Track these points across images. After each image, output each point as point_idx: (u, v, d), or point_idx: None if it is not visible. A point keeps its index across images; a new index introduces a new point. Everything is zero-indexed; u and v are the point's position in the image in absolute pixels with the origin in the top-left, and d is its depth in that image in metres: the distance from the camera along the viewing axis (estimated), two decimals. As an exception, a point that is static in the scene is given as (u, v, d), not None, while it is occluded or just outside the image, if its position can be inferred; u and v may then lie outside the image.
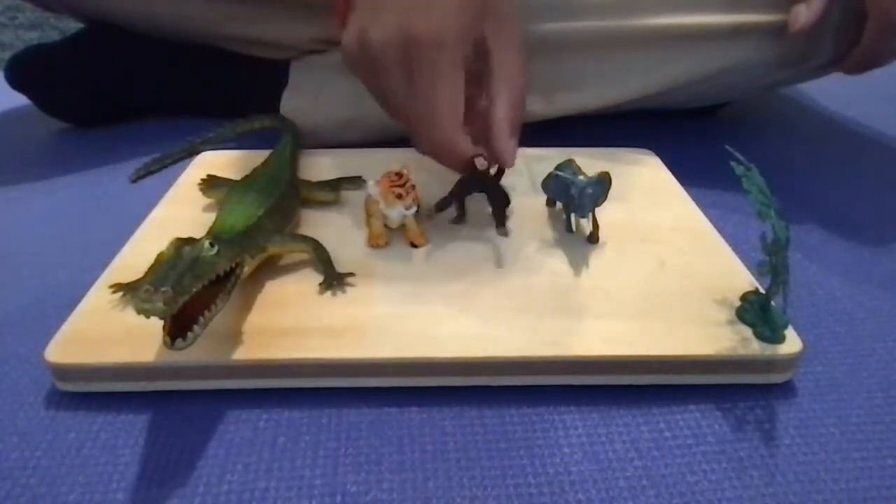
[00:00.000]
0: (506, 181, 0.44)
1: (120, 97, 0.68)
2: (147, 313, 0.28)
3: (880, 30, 0.52)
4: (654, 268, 0.41)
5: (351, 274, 0.40)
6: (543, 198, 0.48)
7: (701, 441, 0.32)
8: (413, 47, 0.37)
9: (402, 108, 0.40)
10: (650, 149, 0.57)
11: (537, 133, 0.58)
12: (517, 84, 0.41)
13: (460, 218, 0.46)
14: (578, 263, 0.41)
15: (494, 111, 0.40)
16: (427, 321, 0.36)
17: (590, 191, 0.41)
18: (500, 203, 0.44)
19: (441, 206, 0.44)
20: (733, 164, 0.34)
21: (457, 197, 0.44)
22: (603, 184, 0.42)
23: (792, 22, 0.52)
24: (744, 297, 0.37)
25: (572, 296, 0.38)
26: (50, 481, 0.30)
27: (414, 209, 0.42)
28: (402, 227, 0.43)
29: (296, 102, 0.59)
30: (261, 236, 0.39)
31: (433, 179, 0.48)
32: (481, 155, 0.40)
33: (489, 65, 0.40)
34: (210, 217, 0.41)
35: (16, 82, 0.65)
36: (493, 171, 0.43)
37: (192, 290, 0.30)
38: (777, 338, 0.34)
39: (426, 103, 0.38)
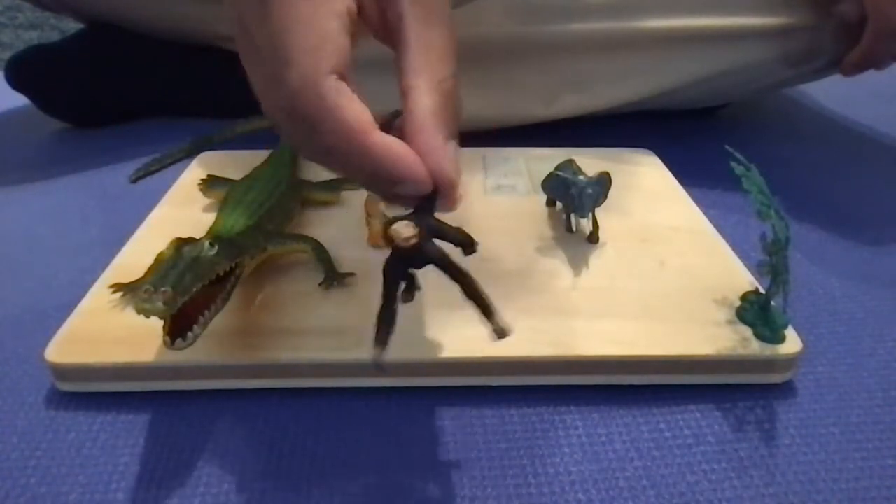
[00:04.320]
0: (506, 181, 0.43)
1: (120, 97, 0.68)
2: (147, 313, 0.28)
3: (879, 32, 0.52)
4: (654, 268, 0.41)
5: (351, 274, 0.39)
6: (543, 198, 0.48)
7: (701, 441, 0.32)
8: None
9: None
10: (650, 149, 0.57)
11: (537, 133, 0.58)
12: (443, 65, 0.29)
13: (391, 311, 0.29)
14: (578, 263, 0.41)
15: (412, 100, 0.28)
16: (427, 321, 0.36)
17: (590, 191, 0.41)
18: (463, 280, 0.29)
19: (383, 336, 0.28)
20: (733, 164, 0.34)
21: (386, 290, 0.29)
22: (603, 184, 0.42)
23: (847, 68, 0.55)
24: (744, 297, 0.37)
25: (572, 296, 0.38)
26: (50, 481, 0.30)
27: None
28: (402, 227, 0.43)
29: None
30: (261, 236, 0.39)
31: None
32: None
33: (402, 44, 0.29)
34: (210, 217, 0.41)
35: (16, 82, 0.65)
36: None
37: (192, 290, 0.30)
38: (777, 338, 0.34)
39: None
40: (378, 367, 0.28)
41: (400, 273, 0.29)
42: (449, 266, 0.28)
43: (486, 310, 0.29)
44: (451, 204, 0.29)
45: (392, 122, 0.29)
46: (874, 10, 0.51)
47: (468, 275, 0.29)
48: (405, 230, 0.27)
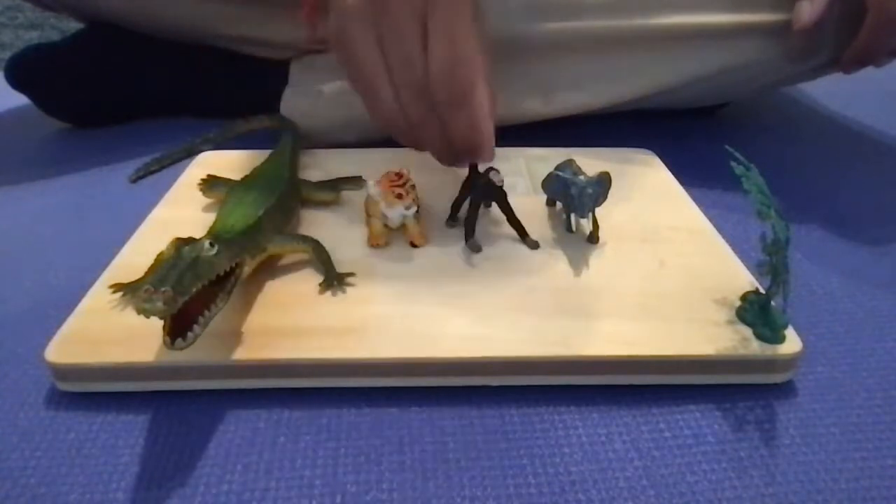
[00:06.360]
0: (506, 181, 0.44)
1: (120, 97, 0.68)
2: (147, 313, 0.28)
3: (878, 26, 0.52)
4: (654, 268, 0.41)
5: (351, 274, 0.40)
6: (543, 198, 0.48)
7: (701, 441, 0.32)
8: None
9: (414, 84, 0.38)
10: (650, 149, 0.57)
11: (537, 133, 0.58)
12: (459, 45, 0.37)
13: (455, 219, 0.46)
14: (578, 263, 0.41)
15: (480, 96, 0.39)
16: (427, 321, 0.36)
17: (590, 191, 0.41)
18: (507, 208, 0.44)
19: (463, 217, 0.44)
20: (733, 164, 0.34)
21: (462, 201, 0.45)
22: (603, 184, 0.42)
23: (796, 20, 0.52)
24: (744, 297, 0.37)
25: (572, 296, 0.38)
26: (50, 481, 0.30)
27: (414, 209, 0.42)
28: (402, 227, 0.43)
29: (296, 102, 0.59)
30: (261, 236, 0.39)
31: (433, 179, 0.48)
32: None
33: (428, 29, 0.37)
34: (210, 217, 0.41)
35: (16, 82, 0.65)
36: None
37: (192, 290, 0.30)
38: (777, 338, 0.34)
39: (450, 58, 0.36)
40: (477, 249, 0.42)
41: (480, 196, 0.43)
42: (504, 200, 0.43)
43: (520, 232, 0.44)
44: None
45: None
46: (872, 3, 0.51)
47: (511, 208, 0.44)
48: (496, 177, 0.42)
